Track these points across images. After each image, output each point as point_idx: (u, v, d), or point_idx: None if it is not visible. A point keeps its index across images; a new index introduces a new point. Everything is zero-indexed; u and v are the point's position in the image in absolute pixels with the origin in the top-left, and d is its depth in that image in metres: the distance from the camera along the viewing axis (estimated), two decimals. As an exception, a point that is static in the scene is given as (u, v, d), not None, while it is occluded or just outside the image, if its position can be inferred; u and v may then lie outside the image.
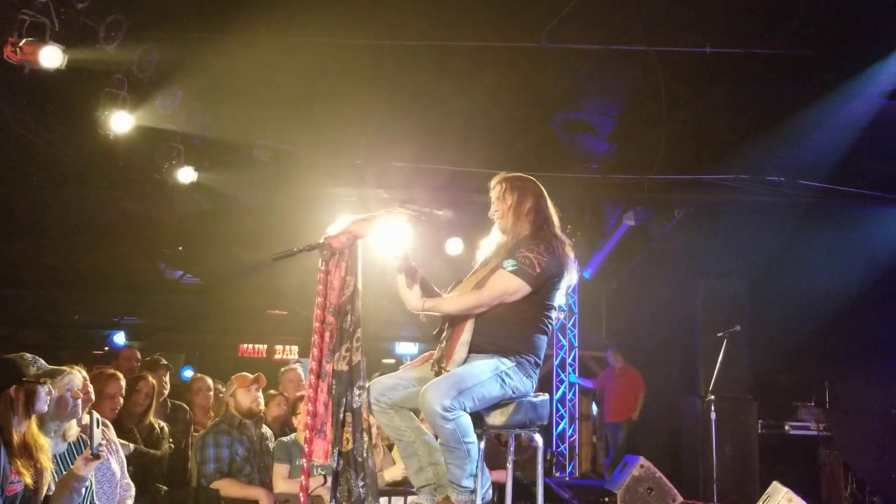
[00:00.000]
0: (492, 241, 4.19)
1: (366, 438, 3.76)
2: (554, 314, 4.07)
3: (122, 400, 5.49)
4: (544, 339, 4.02)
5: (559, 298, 4.06)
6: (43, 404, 3.82)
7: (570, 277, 4.07)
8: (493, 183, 4.18)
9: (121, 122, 7.16)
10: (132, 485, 4.81)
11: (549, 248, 3.92)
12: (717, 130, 8.56)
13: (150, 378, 6.15)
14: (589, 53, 7.48)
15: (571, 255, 4.07)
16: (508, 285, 3.85)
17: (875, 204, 8.88)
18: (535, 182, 4.20)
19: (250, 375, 5.76)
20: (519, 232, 4.03)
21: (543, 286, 3.91)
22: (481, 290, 3.88)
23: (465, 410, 3.65)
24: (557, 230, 4.10)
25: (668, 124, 8.34)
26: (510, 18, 7.17)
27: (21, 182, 9.99)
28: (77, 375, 4.22)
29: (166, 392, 6.95)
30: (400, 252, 3.83)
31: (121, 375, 5.58)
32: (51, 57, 6.04)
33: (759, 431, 9.66)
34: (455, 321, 3.94)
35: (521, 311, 3.91)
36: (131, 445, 5.45)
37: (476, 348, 3.87)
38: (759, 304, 10.21)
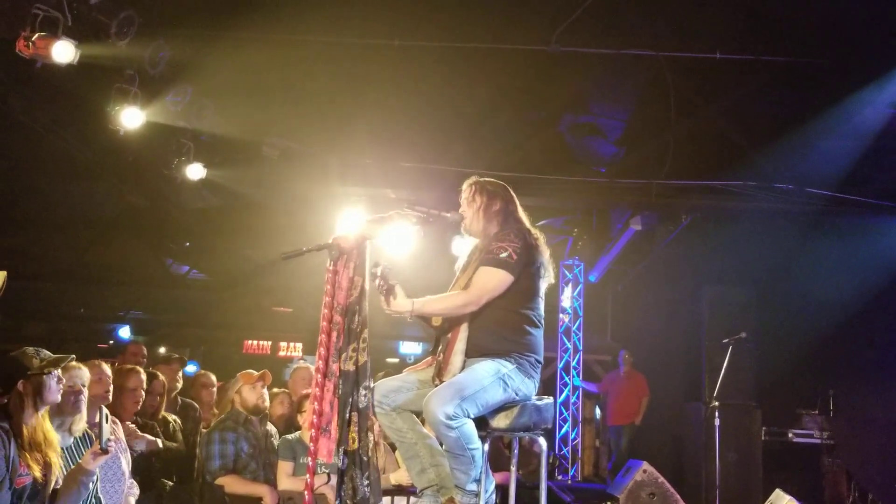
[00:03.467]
0: (466, 248, 4.24)
1: (371, 438, 3.78)
2: (541, 304, 4.07)
3: (143, 394, 5.53)
4: (538, 333, 4.02)
5: (543, 287, 4.08)
6: (55, 394, 3.85)
7: (547, 271, 4.09)
8: (463, 186, 4.24)
9: (131, 117, 7.18)
10: (135, 483, 4.84)
11: (519, 236, 3.97)
12: (725, 137, 8.55)
13: (161, 376, 6.20)
14: (599, 57, 7.49)
15: (545, 249, 4.09)
16: (491, 279, 3.86)
17: (883, 214, 8.87)
18: (506, 187, 4.24)
19: (255, 373, 5.78)
20: (489, 233, 4.08)
21: (523, 273, 3.92)
22: (469, 288, 3.89)
23: (468, 417, 3.66)
24: (527, 224, 4.15)
25: (677, 129, 8.34)
26: (521, 21, 7.18)
27: (30, 175, 10.05)
28: (84, 371, 4.25)
29: (179, 386, 6.98)
30: (377, 271, 3.74)
31: (140, 370, 5.61)
32: (63, 52, 6.06)
33: (763, 438, 9.64)
34: (448, 331, 3.96)
35: (508, 308, 3.93)
36: (159, 441, 5.51)
37: (473, 352, 3.89)
38: (764, 312, 10.19)
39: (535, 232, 4.12)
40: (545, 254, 4.07)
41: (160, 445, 5.52)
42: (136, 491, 4.85)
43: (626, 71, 7.93)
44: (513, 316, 3.94)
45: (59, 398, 3.90)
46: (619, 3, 6.88)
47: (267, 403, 5.85)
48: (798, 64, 7.14)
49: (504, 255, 3.87)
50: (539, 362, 4.00)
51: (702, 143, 8.65)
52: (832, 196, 8.69)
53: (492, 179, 4.26)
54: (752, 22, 6.92)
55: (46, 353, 3.95)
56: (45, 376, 3.80)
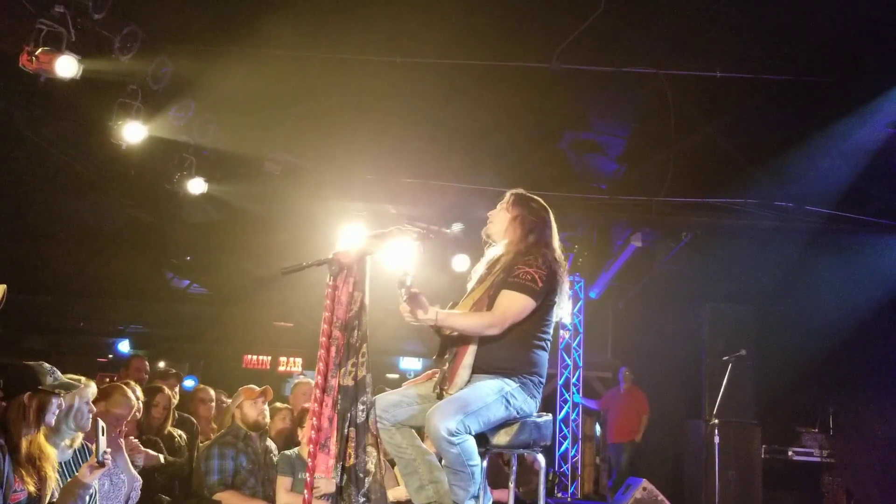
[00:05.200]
0: (485, 258, 4.23)
1: (375, 453, 3.77)
2: (551, 330, 4.07)
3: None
4: (545, 356, 4.02)
5: (556, 314, 4.07)
6: (52, 417, 3.84)
7: (564, 301, 4.09)
8: (507, 194, 4.22)
9: (134, 132, 7.21)
10: (137, 477, 4.79)
11: (546, 262, 3.95)
12: (725, 154, 8.58)
13: (167, 390, 6.18)
14: (599, 75, 7.53)
15: (566, 279, 4.08)
16: (516, 304, 3.84)
17: (882, 231, 8.88)
18: (548, 210, 4.21)
19: (257, 388, 5.77)
20: (517, 246, 4.05)
21: (543, 301, 3.92)
22: (493, 310, 3.86)
23: (470, 433, 3.66)
24: (557, 253, 4.12)
25: (677, 147, 8.37)
26: (522, 39, 7.22)
27: (32, 188, 10.08)
28: (91, 388, 4.25)
29: (175, 401, 6.96)
30: (404, 279, 3.68)
31: (132, 397, 5.46)
32: (66, 67, 6.10)
33: (763, 456, 9.63)
34: (457, 343, 3.94)
35: (522, 330, 3.92)
36: (161, 456, 5.49)
37: (479, 370, 3.88)
38: (764, 329, 10.20)
39: (562, 262, 4.10)
40: (566, 284, 4.08)
41: (161, 461, 5.49)
42: (138, 484, 4.78)
43: (627, 89, 7.96)
44: (524, 337, 3.94)
45: (52, 422, 3.89)
46: (620, 21, 6.92)
47: (267, 420, 5.84)
48: (797, 83, 7.18)
49: (530, 280, 3.86)
50: (542, 382, 4.00)
51: (702, 160, 8.68)
52: (831, 214, 8.71)
53: (536, 196, 4.25)
54: (752, 41, 6.95)
55: (59, 374, 3.95)
56: (52, 396, 3.80)
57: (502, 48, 7.25)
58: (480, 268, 4.21)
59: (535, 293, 3.85)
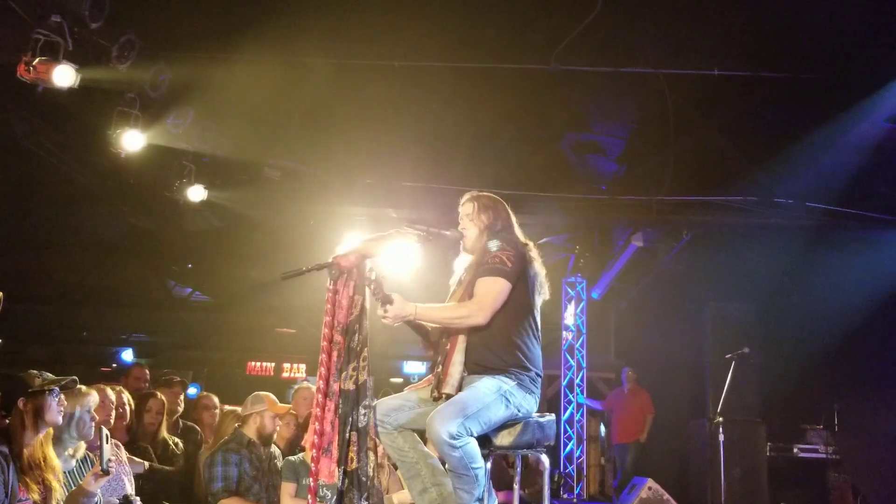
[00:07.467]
0: (462, 262, 4.23)
1: (371, 458, 3.76)
2: (538, 318, 4.07)
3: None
4: (537, 347, 4.02)
5: (538, 301, 4.08)
6: (55, 415, 3.84)
7: (542, 285, 4.09)
8: (464, 200, 4.24)
9: (132, 140, 7.20)
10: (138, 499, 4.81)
11: (512, 244, 3.99)
12: (725, 153, 8.58)
13: (160, 395, 6.17)
14: (598, 75, 7.52)
15: (539, 262, 4.10)
16: (492, 288, 3.86)
17: (883, 227, 8.87)
18: (503, 202, 4.26)
19: (282, 406, 5.83)
20: (486, 246, 4.07)
21: (518, 282, 3.93)
22: (471, 300, 3.88)
23: (472, 436, 3.65)
24: (522, 239, 4.16)
25: (677, 146, 8.36)
26: (520, 41, 7.22)
27: (32, 198, 10.09)
28: (93, 396, 4.25)
29: (180, 409, 6.95)
30: (371, 275, 3.71)
31: (110, 394, 5.47)
32: (64, 76, 6.08)
33: (768, 454, 9.63)
34: (446, 344, 3.95)
35: (506, 323, 3.92)
36: (146, 463, 5.48)
37: (472, 368, 3.89)
38: (767, 327, 10.19)
39: (530, 245, 4.14)
40: (539, 267, 4.09)
41: (145, 467, 5.46)
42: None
43: (626, 89, 7.96)
44: (510, 331, 3.94)
45: (59, 420, 3.89)
46: (617, 21, 6.91)
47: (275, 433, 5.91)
48: (796, 80, 7.18)
49: (499, 263, 3.89)
50: (539, 376, 3.99)
51: (702, 159, 8.67)
52: (833, 210, 8.70)
53: (490, 194, 4.27)
54: (750, 39, 6.95)
55: (49, 375, 3.95)
56: (46, 395, 3.80)
57: (501, 50, 7.26)
58: (460, 271, 4.23)
59: (507, 273, 3.87)
